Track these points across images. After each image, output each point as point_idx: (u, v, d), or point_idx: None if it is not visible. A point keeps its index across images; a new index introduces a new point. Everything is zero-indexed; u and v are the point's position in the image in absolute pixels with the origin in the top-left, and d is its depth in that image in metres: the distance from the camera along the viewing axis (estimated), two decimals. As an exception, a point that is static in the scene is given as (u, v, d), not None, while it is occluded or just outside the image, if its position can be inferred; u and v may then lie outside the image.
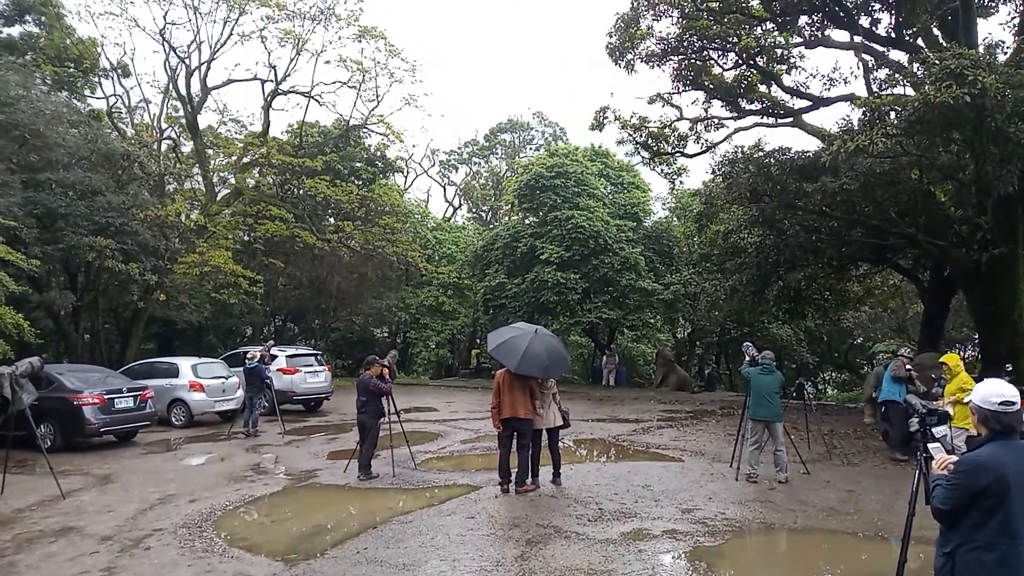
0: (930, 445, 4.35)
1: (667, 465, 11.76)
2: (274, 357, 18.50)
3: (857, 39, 15.82)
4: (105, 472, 11.56)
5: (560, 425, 9.97)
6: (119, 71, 28.35)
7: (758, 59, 16.62)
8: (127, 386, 14.67)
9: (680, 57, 17.56)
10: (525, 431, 9.57)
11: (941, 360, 9.58)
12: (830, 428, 15.55)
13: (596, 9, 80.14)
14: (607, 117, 19.12)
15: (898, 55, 16.79)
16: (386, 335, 39.48)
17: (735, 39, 16.14)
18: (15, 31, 26.13)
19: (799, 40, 16.86)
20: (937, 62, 10.97)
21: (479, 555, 6.99)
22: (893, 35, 15.96)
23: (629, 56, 17.64)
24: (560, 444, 10.38)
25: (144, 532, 7.97)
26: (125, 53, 28.67)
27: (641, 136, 19.30)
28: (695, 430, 16.00)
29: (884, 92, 15.15)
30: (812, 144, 17.68)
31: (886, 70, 16.48)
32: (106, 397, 13.86)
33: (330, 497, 9.93)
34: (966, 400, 8.67)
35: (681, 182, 23.81)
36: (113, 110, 28.63)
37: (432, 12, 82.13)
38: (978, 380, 12.55)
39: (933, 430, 4.75)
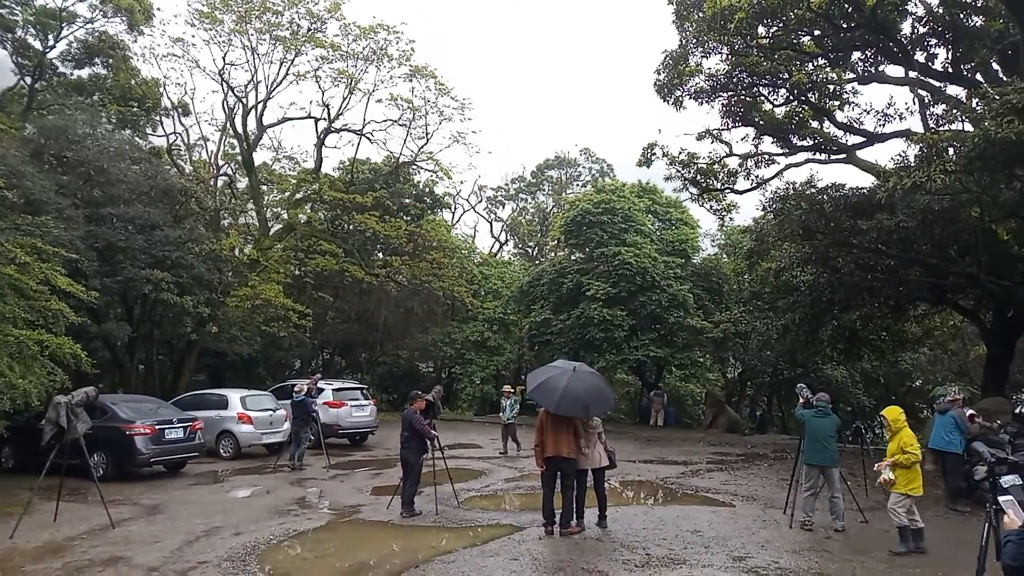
0: (1000, 498, 4.08)
1: (717, 510, 11.39)
2: (321, 390, 18.64)
3: (912, 75, 15.53)
4: (154, 502, 11.70)
5: (606, 465, 9.77)
6: (179, 110, 29.42)
7: (810, 95, 16.42)
8: (177, 417, 14.90)
9: (730, 93, 17.46)
10: (569, 471, 9.37)
11: (882, 413, 9.01)
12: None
13: (644, 47, 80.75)
14: (655, 153, 19.07)
15: (956, 90, 16.42)
16: (431, 370, 39.54)
17: (786, 75, 15.99)
18: (84, 73, 27.33)
19: (852, 76, 16.62)
20: (997, 97, 10.67)
21: (522, 599, 6.82)
22: (950, 70, 15.61)
23: (678, 93, 17.62)
24: (606, 485, 10.15)
25: (189, 564, 7.99)
26: (186, 93, 29.73)
27: (690, 172, 19.18)
28: (746, 474, 15.53)
29: (942, 128, 14.76)
30: (866, 181, 17.39)
31: (943, 106, 16.11)
32: (157, 427, 14.10)
33: (373, 534, 9.85)
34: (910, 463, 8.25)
35: (731, 219, 23.52)
36: (172, 147, 29.61)
37: (481, 48, 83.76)
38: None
39: (1002, 480, 4.49)
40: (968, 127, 14.15)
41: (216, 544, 8.91)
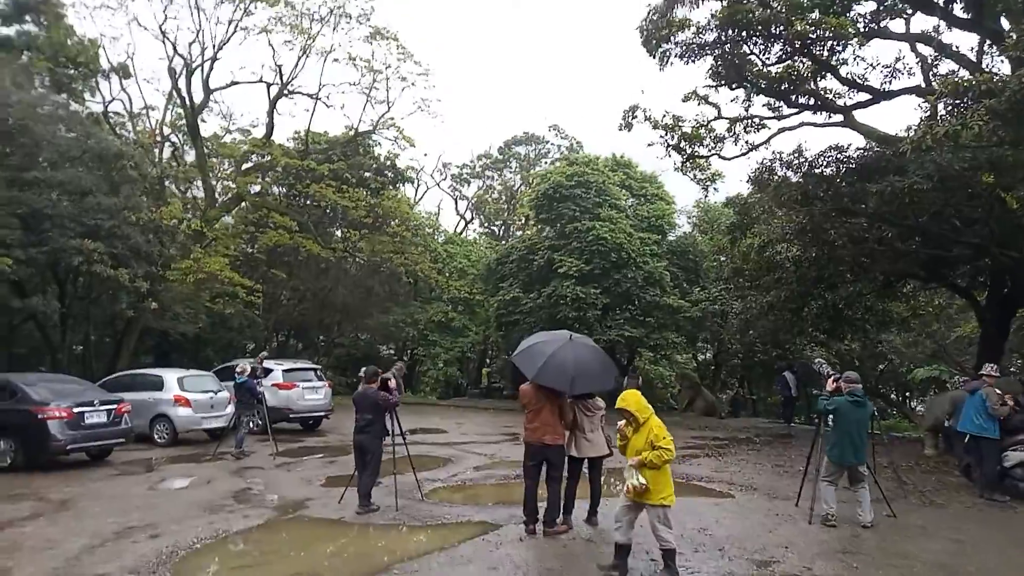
0: None
1: (720, 503, 10.05)
2: (268, 371, 16.93)
3: (933, 21, 14.23)
4: (63, 497, 9.96)
5: (607, 453, 8.34)
6: (119, 72, 27.08)
7: (812, 48, 14.98)
8: (100, 399, 13.07)
9: (720, 50, 15.99)
10: (557, 461, 7.92)
11: (620, 404, 6.51)
12: (889, 459, 13.76)
13: (616, 23, 79.32)
14: (636, 116, 17.52)
15: (969, 43, 15.11)
16: (392, 352, 37.82)
17: (782, 27, 14.56)
18: (12, 30, 24.90)
19: (852, 32, 15.26)
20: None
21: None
22: (971, 16, 14.29)
23: (665, 47, 16.07)
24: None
25: (83, 578, 6.35)
26: (126, 54, 27.44)
27: (673, 138, 17.66)
28: (736, 460, 14.24)
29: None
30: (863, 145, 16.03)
31: (950, 63, 14.92)
32: (75, 411, 12.30)
33: (320, 534, 8.24)
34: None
35: (716, 189, 22.05)
36: (111, 113, 27.30)
37: (446, 25, 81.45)
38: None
39: None
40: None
41: (124, 550, 7.26)
